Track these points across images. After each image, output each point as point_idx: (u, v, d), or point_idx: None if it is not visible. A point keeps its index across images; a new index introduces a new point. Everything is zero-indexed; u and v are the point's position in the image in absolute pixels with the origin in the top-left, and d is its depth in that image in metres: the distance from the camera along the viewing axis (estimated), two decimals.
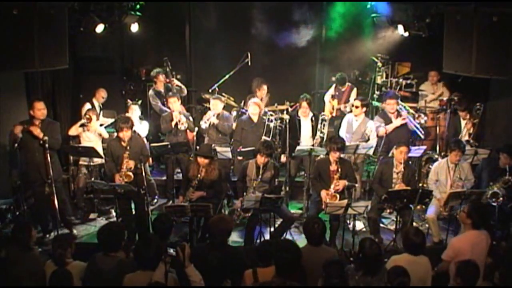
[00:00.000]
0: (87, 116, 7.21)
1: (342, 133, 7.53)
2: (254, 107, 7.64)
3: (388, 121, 7.44)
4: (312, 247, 4.56)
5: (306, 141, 7.60)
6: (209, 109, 7.81)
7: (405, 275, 3.83)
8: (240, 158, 7.37)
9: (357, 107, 7.46)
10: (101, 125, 7.85)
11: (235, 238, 6.47)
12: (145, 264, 4.04)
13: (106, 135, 7.51)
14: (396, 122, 7.34)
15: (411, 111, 8.08)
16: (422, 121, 7.88)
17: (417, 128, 7.57)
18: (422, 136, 7.65)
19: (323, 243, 4.73)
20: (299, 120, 7.64)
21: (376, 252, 4.16)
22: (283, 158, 7.59)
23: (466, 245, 4.60)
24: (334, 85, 9.01)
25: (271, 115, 7.96)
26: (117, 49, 9.70)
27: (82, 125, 7.27)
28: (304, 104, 7.51)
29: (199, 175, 6.34)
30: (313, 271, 4.23)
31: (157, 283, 3.79)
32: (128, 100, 8.55)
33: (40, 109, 6.37)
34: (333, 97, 8.91)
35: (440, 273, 4.64)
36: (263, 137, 7.49)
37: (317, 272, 4.08)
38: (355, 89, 8.94)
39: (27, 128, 6.32)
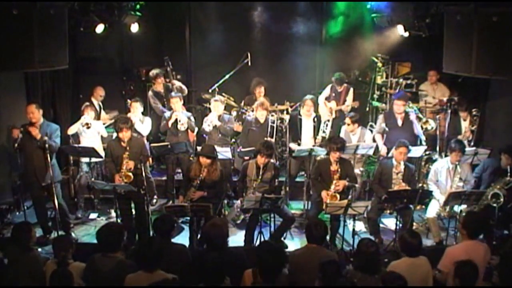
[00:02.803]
0: (87, 123, 7.16)
1: None
2: (262, 112, 7.60)
3: (393, 121, 7.43)
4: (311, 247, 4.56)
5: (307, 142, 7.61)
6: (210, 109, 7.80)
7: (401, 279, 3.81)
8: (247, 158, 7.24)
9: (348, 124, 7.53)
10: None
11: (235, 238, 6.47)
12: (145, 264, 4.03)
13: (105, 134, 7.50)
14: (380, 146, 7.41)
15: (420, 115, 8.06)
16: (429, 128, 7.83)
17: (420, 133, 7.57)
18: (424, 143, 7.62)
19: (323, 244, 4.73)
20: (301, 120, 7.65)
21: (373, 251, 4.16)
22: (293, 146, 7.55)
23: (462, 254, 4.49)
24: (330, 86, 8.83)
25: (273, 115, 7.96)
26: (117, 49, 9.69)
27: (81, 125, 7.26)
28: (309, 102, 7.50)
29: (201, 175, 6.35)
30: (311, 271, 4.23)
31: (158, 283, 3.77)
32: (128, 100, 8.53)
33: (28, 113, 6.37)
34: (327, 98, 8.77)
35: (437, 284, 4.61)
36: (267, 138, 7.47)
37: (315, 272, 4.08)
38: (351, 89, 8.81)
39: (26, 129, 6.32)
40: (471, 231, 4.73)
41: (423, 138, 7.54)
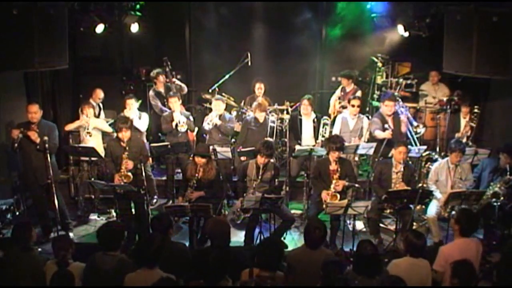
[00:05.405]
0: (89, 133, 7.16)
1: (337, 132, 7.47)
2: (261, 114, 7.59)
3: (384, 122, 7.41)
4: (309, 249, 4.54)
5: (307, 141, 7.60)
6: (210, 109, 7.80)
7: (401, 282, 3.79)
8: (243, 158, 7.19)
9: (354, 106, 7.47)
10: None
11: (235, 238, 6.46)
12: (145, 261, 4.03)
13: (109, 130, 7.50)
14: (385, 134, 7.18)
15: (411, 118, 8.06)
16: (419, 131, 7.86)
17: (411, 135, 7.54)
18: (413, 143, 7.62)
19: (323, 244, 4.72)
20: (301, 120, 7.65)
21: (371, 253, 4.14)
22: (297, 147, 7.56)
23: (456, 252, 4.52)
24: (341, 87, 8.88)
25: (273, 115, 7.95)
26: (117, 49, 9.70)
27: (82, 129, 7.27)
28: (305, 102, 7.52)
29: (197, 175, 6.35)
30: (309, 272, 4.22)
31: (159, 283, 3.76)
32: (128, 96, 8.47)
33: (31, 112, 6.37)
34: (339, 98, 8.80)
35: (434, 284, 4.60)
36: (267, 138, 7.46)
37: (313, 273, 4.07)
38: (359, 91, 8.80)
39: (25, 133, 6.32)
40: (463, 227, 4.73)
41: (412, 140, 7.55)
